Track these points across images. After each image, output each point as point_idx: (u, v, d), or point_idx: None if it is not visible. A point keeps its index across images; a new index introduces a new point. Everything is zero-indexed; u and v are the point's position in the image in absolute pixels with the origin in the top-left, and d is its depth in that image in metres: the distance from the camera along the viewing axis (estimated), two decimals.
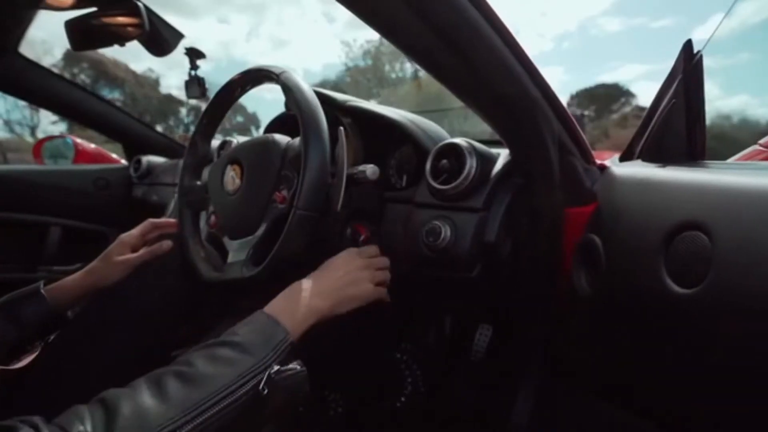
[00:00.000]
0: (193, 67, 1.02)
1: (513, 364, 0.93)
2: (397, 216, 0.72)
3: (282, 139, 0.62)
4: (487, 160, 0.65)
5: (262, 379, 0.39)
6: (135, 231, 0.69)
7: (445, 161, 0.65)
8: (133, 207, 1.52)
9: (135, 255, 0.66)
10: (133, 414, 0.33)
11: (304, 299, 0.49)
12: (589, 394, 0.71)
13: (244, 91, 0.69)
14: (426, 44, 0.43)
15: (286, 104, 0.74)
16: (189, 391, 0.36)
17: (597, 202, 0.58)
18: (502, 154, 0.68)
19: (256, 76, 0.63)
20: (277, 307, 0.48)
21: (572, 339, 0.61)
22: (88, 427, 0.31)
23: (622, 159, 0.65)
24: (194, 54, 1.00)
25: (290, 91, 0.56)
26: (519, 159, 0.63)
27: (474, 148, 0.64)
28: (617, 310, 0.45)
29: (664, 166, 0.50)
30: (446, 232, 0.62)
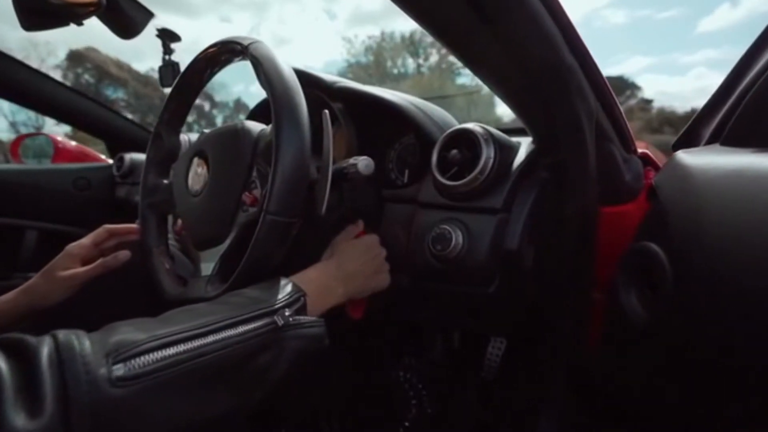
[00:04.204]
0: (167, 51, 0.91)
1: (531, 383, 0.83)
2: (398, 218, 0.61)
3: (255, 126, 0.50)
4: (507, 150, 0.53)
5: (273, 318, 0.36)
6: (86, 240, 0.58)
7: (455, 152, 0.54)
8: (117, 208, 1.42)
9: (83, 269, 0.55)
10: (130, 326, 0.31)
11: (327, 284, 0.46)
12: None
13: (213, 72, 0.58)
14: None
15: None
16: (192, 316, 0.34)
17: (648, 200, 0.46)
18: (524, 143, 0.57)
19: (222, 51, 0.52)
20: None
21: (615, 369, 0.50)
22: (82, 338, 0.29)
23: (679, 146, 0.53)
24: (168, 36, 0.89)
25: (260, 64, 0.44)
26: (546, 147, 0.52)
27: (491, 135, 0.52)
28: (698, 346, 0.34)
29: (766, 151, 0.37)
30: (457, 238, 0.51)
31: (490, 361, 0.86)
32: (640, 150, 0.57)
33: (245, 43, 0.47)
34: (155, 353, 0.29)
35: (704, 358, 0.33)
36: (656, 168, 0.56)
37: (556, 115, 0.46)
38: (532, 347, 0.82)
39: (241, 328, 0.34)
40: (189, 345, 0.31)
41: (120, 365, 0.27)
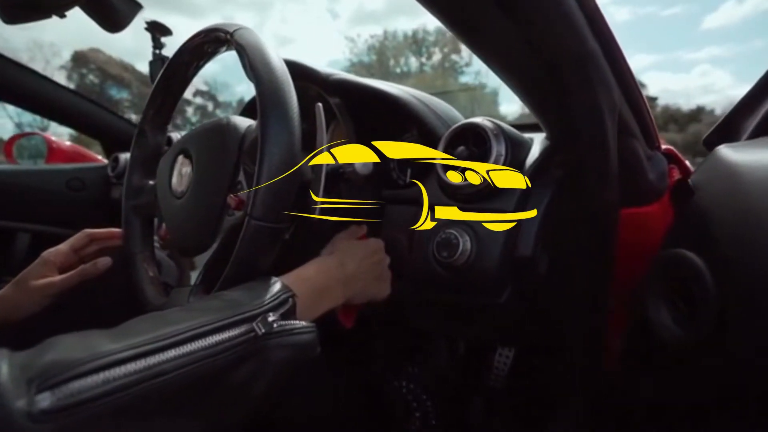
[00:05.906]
0: (157, 46, 0.86)
1: (541, 392, 0.78)
2: (400, 221, 0.56)
3: (242, 122, 0.46)
4: (519, 146, 0.49)
5: (252, 324, 0.31)
6: (63, 246, 0.54)
7: (462, 148, 0.49)
8: (112, 210, 1.38)
9: (60, 277, 0.51)
10: (75, 338, 0.25)
11: (326, 284, 0.42)
12: None
13: (200, 65, 0.54)
14: None
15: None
16: (155, 325, 0.28)
17: (673, 200, 0.41)
18: (537, 139, 0.52)
19: (206, 41, 0.48)
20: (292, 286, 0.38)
21: (639, 388, 0.45)
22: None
23: (715, 140, 0.48)
24: (158, 29, 0.85)
25: (244, 51, 0.40)
26: (562, 143, 0.47)
27: (501, 130, 0.48)
28: (750, 374, 0.29)
29: None
30: (465, 244, 0.46)
31: (498, 370, 0.81)
32: (664, 146, 0.52)
33: (230, 29, 0.43)
34: (97, 375, 0.23)
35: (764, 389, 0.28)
36: (682, 165, 0.52)
37: (574, 107, 0.41)
38: (542, 356, 0.78)
39: (212, 339, 0.29)
40: (143, 362, 0.25)
41: (46, 394, 0.22)
